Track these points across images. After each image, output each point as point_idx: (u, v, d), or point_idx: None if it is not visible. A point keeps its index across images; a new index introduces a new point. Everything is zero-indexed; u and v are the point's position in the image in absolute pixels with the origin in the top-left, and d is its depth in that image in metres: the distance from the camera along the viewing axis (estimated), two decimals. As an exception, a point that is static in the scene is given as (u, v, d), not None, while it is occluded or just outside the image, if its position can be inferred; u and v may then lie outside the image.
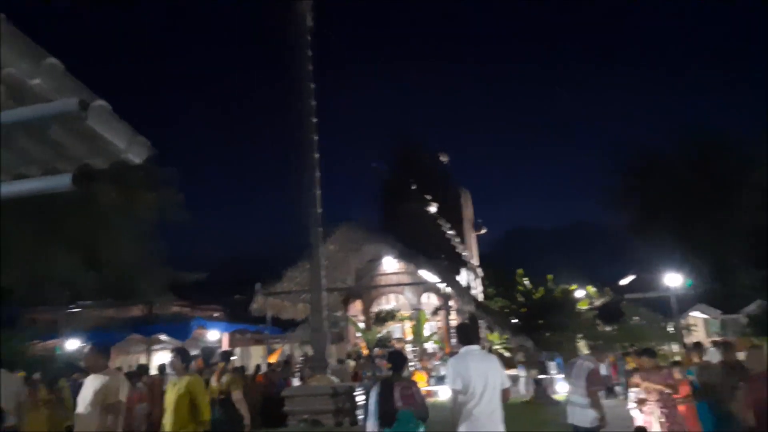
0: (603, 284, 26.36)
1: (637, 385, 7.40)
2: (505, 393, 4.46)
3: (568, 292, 22.70)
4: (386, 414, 4.55)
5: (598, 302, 24.43)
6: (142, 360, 17.54)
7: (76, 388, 9.18)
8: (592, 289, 25.85)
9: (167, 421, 5.38)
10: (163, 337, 18.82)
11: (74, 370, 9.55)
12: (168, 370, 6.87)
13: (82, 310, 18.43)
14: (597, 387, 6.14)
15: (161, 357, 18.13)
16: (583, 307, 23.28)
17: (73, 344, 15.32)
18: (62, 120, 2.38)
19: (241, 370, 13.35)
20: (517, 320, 22.30)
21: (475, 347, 4.61)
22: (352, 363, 16.58)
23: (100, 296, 16.51)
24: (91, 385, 4.76)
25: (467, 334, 4.74)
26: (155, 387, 11.30)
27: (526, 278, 24.18)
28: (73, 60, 2.27)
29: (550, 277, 22.96)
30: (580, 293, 24.30)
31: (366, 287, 24.40)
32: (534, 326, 20.60)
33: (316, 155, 14.48)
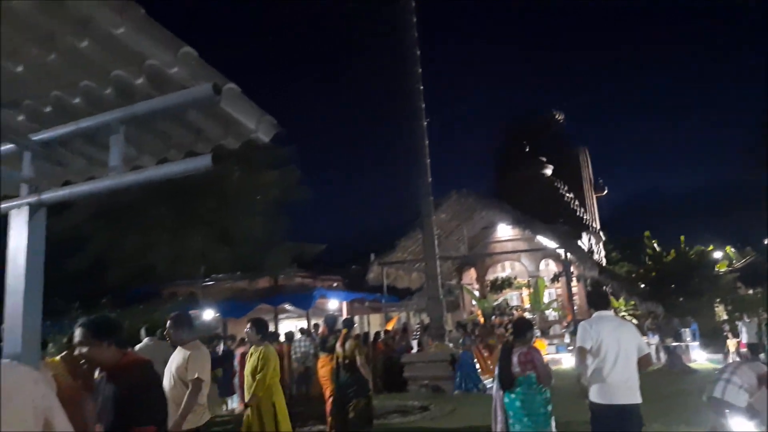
0: (744, 244, 24.01)
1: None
2: (642, 360, 4.22)
3: (704, 254, 20.93)
4: (505, 378, 4.53)
5: (738, 264, 22.30)
6: (270, 328, 18.78)
7: (217, 356, 10.11)
8: (731, 250, 23.65)
9: (247, 389, 5.59)
10: (288, 306, 19.99)
11: (211, 339, 10.44)
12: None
13: (216, 283, 20.05)
14: None
15: (287, 325, 19.33)
16: (721, 269, 21.39)
17: (209, 314, 16.76)
18: (198, 104, 2.53)
19: (363, 337, 13.88)
20: (645, 285, 21.00)
21: (608, 312, 4.42)
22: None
23: (231, 269, 17.86)
24: (173, 359, 4.52)
25: (600, 299, 4.58)
26: (282, 354, 12.10)
27: (654, 241, 22.65)
28: (198, 44, 2.38)
29: (682, 238, 21.29)
30: (717, 255, 22.33)
31: (480, 255, 24.16)
32: (665, 291, 19.30)
33: (424, 123, 14.43)
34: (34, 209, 2.80)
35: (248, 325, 5.83)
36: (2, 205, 2.93)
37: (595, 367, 4.18)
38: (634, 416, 4.15)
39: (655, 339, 16.73)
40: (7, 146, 2.92)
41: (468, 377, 12.10)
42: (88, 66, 2.40)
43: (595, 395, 4.21)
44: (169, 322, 4.61)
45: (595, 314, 4.40)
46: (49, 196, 2.80)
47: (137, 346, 7.14)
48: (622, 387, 4.14)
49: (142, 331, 7.67)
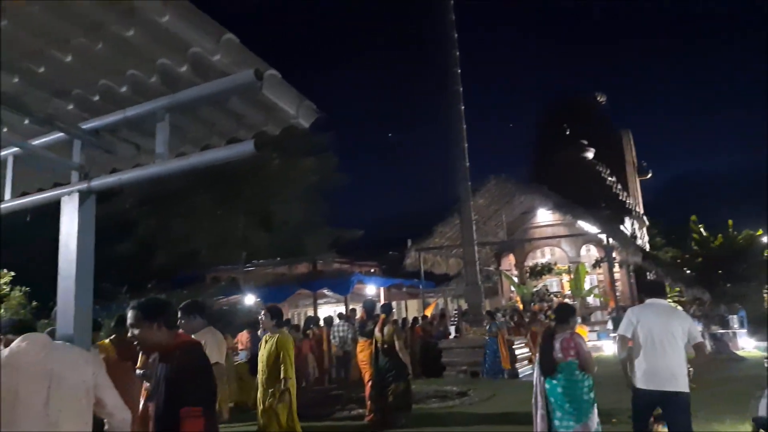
0: (798, 229, 22.92)
1: None
2: (696, 349, 4.13)
3: (752, 239, 20.10)
4: (546, 364, 4.47)
5: (790, 249, 21.34)
6: (309, 313, 19.05)
7: (255, 340, 10.32)
8: (781, 234, 22.63)
9: (260, 376, 5.48)
10: (326, 291, 20.21)
11: (253, 324, 10.65)
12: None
13: (257, 268, 20.43)
14: None
15: (326, 310, 19.56)
16: (772, 254, 20.53)
17: (250, 299, 17.10)
18: (240, 91, 2.55)
19: (401, 322, 13.94)
20: (690, 271, 20.36)
21: (660, 300, 4.32)
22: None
23: (271, 255, 18.16)
24: None
25: (653, 286, 4.52)
26: (322, 337, 12.28)
27: (701, 225, 21.88)
28: (239, 31, 2.39)
29: (730, 222, 20.50)
30: (766, 239, 21.42)
31: (519, 241, 23.87)
32: (712, 277, 18.65)
33: (462, 107, 14.26)
34: (84, 196, 2.90)
35: (262, 312, 5.72)
36: (54, 192, 3.04)
37: (639, 353, 4.13)
38: (678, 404, 4.05)
39: (700, 326, 16.25)
40: (58, 135, 3.01)
41: (492, 364, 12.14)
42: (135, 55, 2.44)
43: (636, 380, 4.18)
44: (179, 311, 4.31)
45: (647, 301, 4.34)
46: (98, 183, 2.89)
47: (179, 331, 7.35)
48: (665, 373, 4.06)
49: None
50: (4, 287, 9.27)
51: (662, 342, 4.06)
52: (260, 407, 5.40)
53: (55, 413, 2.19)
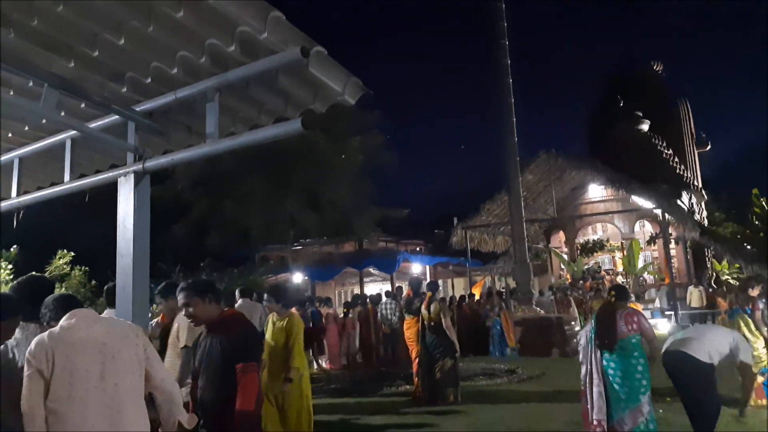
0: None
1: None
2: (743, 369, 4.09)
3: (819, 213, 19.00)
4: (609, 338, 4.34)
5: None
6: (357, 290, 19.30)
7: (304, 319, 10.54)
8: None
9: (266, 362, 4.78)
10: (372, 270, 20.39)
11: (303, 302, 10.83)
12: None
13: (305, 247, 20.77)
14: None
15: (372, 288, 19.76)
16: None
17: (298, 278, 17.44)
18: (287, 68, 2.54)
19: (448, 300, 13.91)
20: (751, 247, 19.45)
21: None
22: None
23: (319, 234, 18.41)
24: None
25: None
26: (368, 315, 12.40)
27: (763, 199, 20.81)
28: (285, 7, 2.37)
29: (796, 194, 19.41)
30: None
31: (570, 217, 23.31)
32: (775, 253, 17.78)
33: (510, 80, 13.92)
34: (139, 176, 2.98)
35: (265, 296, 5.11)
36: (111, 174, 3.13)
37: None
38: (696, 372, 4.15)
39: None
40: (113, 118, 3.10)
41: (497, 344, 12.22)
42: (184, 36, 2.47)
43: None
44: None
45: None
46: (152, 163, 2.96)
47: (235, 305, 7.59)
48: (692, 338, 4.33)
49: (237, 293, 8.13)
50: (65, 267, 9.73)
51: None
52: (266, 398, 4.58)
53: (111, 387, 2.21)
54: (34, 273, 2.98)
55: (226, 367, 2.76)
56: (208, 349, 2.88)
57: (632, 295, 17.83)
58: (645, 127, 25.66)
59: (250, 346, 2.92)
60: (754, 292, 6.86)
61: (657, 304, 18.31)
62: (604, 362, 4.30)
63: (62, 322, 2.28)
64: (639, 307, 16.59)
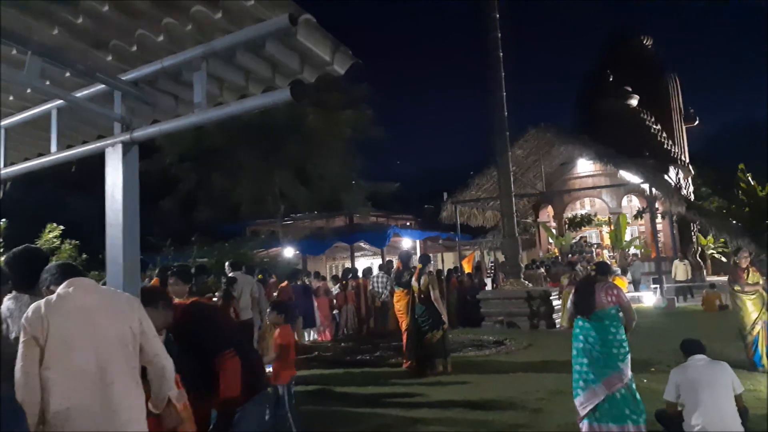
0: None
1: None
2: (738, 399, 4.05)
3: (804, 188, 19.28)
4: (584, 305, 4.47)
5: None
6: (347, 265, 19.37)
7: (298, 290, 10.59)
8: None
9: None
10: (363, 244, 20.45)
11: (292, 275, 10.85)
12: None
13: (295, 222, 20.74)
14: None
15: (363, 263, 19.84)
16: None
17: (289, 252, 17.46)
18: (275, 36, 2.51)
19: (438, 273, 14.02)
20: (736, 222, 19.73)
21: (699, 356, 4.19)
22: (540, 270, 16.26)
23: (309, 209, 18.37)
24: None
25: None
26: (361, 288, 12.49)
27: (749, 174, 21.06)
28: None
29: (781, 171, 19.66)
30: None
31: (558, 192, 23.43)
32: (759, 228, 18.06)
33: (500, 54, 13.80)
34: (127, 147, 2.95)
35: (171, 279, 4.03)
36: (98, 144, 3.10)
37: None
38: None
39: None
40: (99, 87, 3.05)
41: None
42: (170, 2, 2.43)
43: None
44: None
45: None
46: (140, 133, 2.93)
47: (230, 274, 7.67)
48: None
49: (227, 265, 8.16)
50: (55, 240, 9.64)
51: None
52: None
53: (103, 358, 2.18)
54: (28, 245, 2.93)
55: (198, 368, 2.82)
56: (176, 358, 2.78)
57: (618, 269, 18.06)
58: (634, 102, 25.68)
59: (216, 337, 2.94)
60: (743, 263, 6.95)
61: (630, 277, 18.41)
62: (577, 329, 4.46)
63: (60, 290, 2.26)
64: (624, 281, 16.92)
